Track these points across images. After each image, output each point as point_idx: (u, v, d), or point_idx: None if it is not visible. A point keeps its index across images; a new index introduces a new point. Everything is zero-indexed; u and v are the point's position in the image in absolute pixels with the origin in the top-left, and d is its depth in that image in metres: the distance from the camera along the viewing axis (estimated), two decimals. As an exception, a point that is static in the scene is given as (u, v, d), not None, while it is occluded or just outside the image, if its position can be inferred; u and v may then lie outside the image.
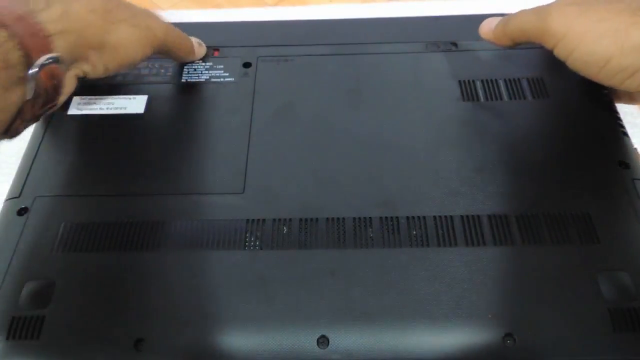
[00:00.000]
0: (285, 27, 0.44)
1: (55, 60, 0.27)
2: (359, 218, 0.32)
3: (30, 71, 0.26)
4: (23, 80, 0.26)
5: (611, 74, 0.28)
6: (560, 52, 0.30)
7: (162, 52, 0.37)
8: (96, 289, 0.29)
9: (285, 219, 0.32)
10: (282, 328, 0.28)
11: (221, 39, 0.43)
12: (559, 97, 0.37)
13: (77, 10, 0.29)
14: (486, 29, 0.36)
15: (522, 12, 0.33)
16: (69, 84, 0.31)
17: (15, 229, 0.32)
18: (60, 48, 0.28)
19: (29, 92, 0.27)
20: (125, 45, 0.33)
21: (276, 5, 0.53)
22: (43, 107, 0.28)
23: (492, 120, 0.36)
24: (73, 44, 0.29)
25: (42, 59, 0.26)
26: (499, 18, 0.35)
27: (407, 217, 0.32)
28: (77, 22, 0.29)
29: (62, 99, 0.30)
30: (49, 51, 0.27)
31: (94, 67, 0.31)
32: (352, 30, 0.43)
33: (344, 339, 0.28)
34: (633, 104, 0.36)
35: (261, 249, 0.31)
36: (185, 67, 0.40)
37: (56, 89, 0.28)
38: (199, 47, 0.40)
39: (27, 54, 0.26)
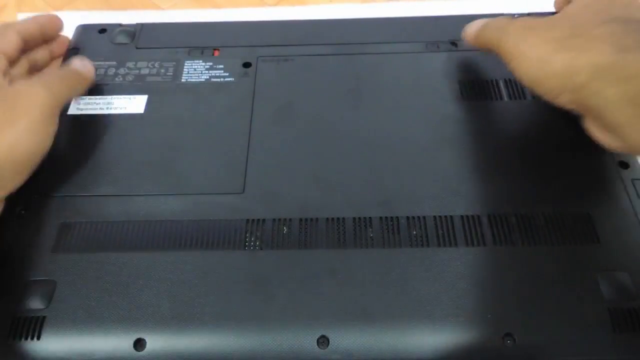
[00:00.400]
0: (285, 27, 0.44)
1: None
2: (359, 218, 0.32)
3: None
4: None
5: (542, 93, 0.30)
6: (510, 70, 0.32)
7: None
8: (96, 289, 0.29)
9: (285, 219, 0.32)
10: (282, 328, 0.28)
11: (221, 39, 0.43)
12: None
13: None
14: (468, 31, 0.37)
15: (490, 26, 0.34)
16: None
17: (15, 229, 0.32)
18: None
19: None
20: (27, 153, 0.31)
21: (276, 5, 0.53)
22: None
23: (492, 120, 0.36)
24: None
25: None
26: (484, 21, 0.36)
27: (407, 217, 0.32)
28: None
29: None
30: None
31: (5, 188, 0.31)
32: (352, 30, 0.43)
33: (344, 339, 0.28)
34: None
35: (261, 249, 0.31)
36: (185, 67, 0.40)
37: None
38: (83, 67, 0.38)
39: None
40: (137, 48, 0.42)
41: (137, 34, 0.43)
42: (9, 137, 0.30)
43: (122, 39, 0.43)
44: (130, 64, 0.41)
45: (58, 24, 0.40)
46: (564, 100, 0.29)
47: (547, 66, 0.28)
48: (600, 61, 0.26)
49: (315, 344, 0.28)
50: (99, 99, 0.38)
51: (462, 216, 0.32)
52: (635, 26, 0.27)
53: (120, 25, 0.44)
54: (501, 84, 0.38)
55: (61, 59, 0.41)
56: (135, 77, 0.40)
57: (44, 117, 0.32)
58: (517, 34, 0.31)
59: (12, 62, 0.36)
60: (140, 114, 0.38)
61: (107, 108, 0.38)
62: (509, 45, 0.31)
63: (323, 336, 0.28)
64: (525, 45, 0.30)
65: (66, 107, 0.38)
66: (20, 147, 0.30)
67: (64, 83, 0.35)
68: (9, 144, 0.29)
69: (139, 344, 0.28)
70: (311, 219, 0.32)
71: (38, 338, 0.28)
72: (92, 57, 0.41)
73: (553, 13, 0.37)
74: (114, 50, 0.42)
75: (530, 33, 0.30)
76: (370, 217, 0.32)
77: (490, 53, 0.34)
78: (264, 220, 0.32)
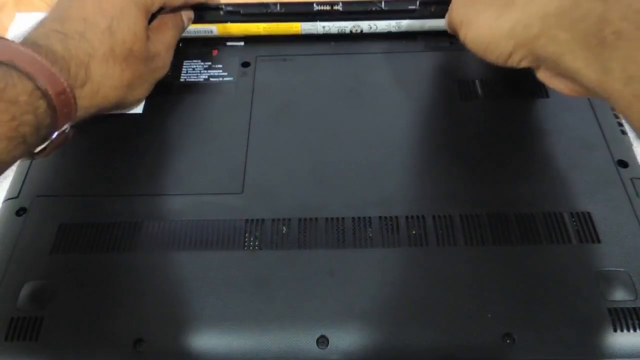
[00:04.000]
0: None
1: (75, 125, 0.31)
2: (358, 218, 0.32)
3: (54, 135, 0.29)
4: (43, 139, 0.29)
5: (493, 57, 0.31)
6: (461, 40, 0.33)
7: None
8: (95, 289, 0.29)
9: (284, 219, 0.32)
10: (282, 328, 0.28)
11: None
12: (559, 97, 0.37)
13: (105, 91, 0.32)
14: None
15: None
16: None
17: (13, 230, 0.32)
18: (80, 115, 0.31)
19: (41, 148, 0.30)
20: (138, 101, 0.36)
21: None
22: (49, 153, 0.31)
23: (491, 120, 0.36)
24: (92, 113, 0.32)
25: (65, 126, 0.30)
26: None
27: (407, 217, 0.32)
28: (103, 100, 0.32)
29: None
30: (72, 118, 0.30)
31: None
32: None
33: (343, 338, 0.28)
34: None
35: (260, 249, 0.31)
36: (184, 66, 0.40)
37: (64, 144, 0.31)
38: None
39: (55, 122, 0.29)
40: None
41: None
42: (139, 93, 0.35)
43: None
44: (129, 64, 0.41)
45: None
46: (516, 59, 0.30)
47: (496, 28, 0.29)
48: (549, 8, 0.26)
49: (315, 343, 0.28)
50: (98, 99, 0.38)
51: (461, 215, 0.31)
52: None
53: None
54: (500, 84, 0.38)
55: None
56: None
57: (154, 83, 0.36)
58: (462, 4, 0.32)
59: None
60: (139, 114, 0.37)
61: (106, 108, 0.38)
62: (455, 16, 0.32)
63: (323, 336, 0.28)
64: (471, 12, 0.31)
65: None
66: (138, 101, 0.36)
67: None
68: (134, 97, 0.35)
69: (137, 344, 0.28)
70: (310, 219, 0.32)
71: (36, 339, 0.28)
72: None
73: None
74: None
75: (473, 1, 0.31)
76: (369, 217, 0.32)
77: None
78: (263, 220, 0.32)
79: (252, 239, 0.31)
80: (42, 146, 0.30)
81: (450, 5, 0.35)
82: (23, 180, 0.34)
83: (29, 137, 0.27)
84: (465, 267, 0.30)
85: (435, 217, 0.32)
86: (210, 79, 0.40)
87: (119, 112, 0.36)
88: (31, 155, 0.30)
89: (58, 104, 0.28)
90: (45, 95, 0.27)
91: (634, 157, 0.34)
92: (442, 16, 0.38)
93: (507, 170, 0.34)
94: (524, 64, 0.30)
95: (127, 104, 0.35)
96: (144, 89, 0.36)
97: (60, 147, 0.31)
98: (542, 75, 0.31)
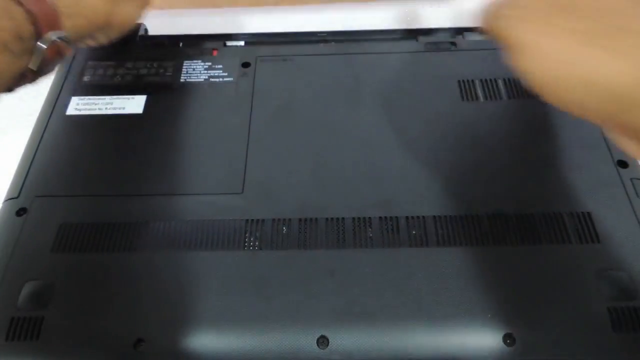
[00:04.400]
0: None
1: (63, 39, 0.31)
2: (359, 218, 0.32)
3: (39, 44, 0.29)
4: (31, 52, 0.29)
5: (562, 105, 0.22)
6: (513, 64, 0.24)
7: None
8: (95, 289, 0.29)
9: (284, 219, 0.32)
10: (282, 328, 0.28)
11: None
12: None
13: None
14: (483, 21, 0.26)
15: (494, 13, 0.25)
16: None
17: (14, 230, 0.32)
18: (68, 28, 0.31)
19: (34, 62, 0.30)
20: (129, 20, 0.36)
21: (276, 5, 0.53)
22: (43, 75, 0.31)
23: (491, 120, 0.36)
24: (80, 26, 0.32)
25: (51, 36, 0.30)
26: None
27: (407, 217, 0.32)
28: (87, 9, 0.32)
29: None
30: (58, 29, 0.30)
31: (97, 41, 0.36)
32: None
33: (343, 339, 0.28)
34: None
35: (260, 249, 0.31)
36: (184, 67, 0.40)
37: (59, 61, 0.31)
38: None
39: (38, 30, 0.29)
40: (136, 48, 0.42)
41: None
42: (128, 11, 0.36)
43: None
44: (129, 64, 0.41)
45: None
46: (591, 115, 0.21)
47: (573, 69, 0.20)
48: None
49: (315, 344, 0.28)
50: (98, 99, 0.38)
51: (461, 216, 0.31)
52: None
53: (119, 25, 0.44)
54: (500, 84, 0.38)
55: None
56: (134, 77, 0.40)
57: (143, 8, 0.38)
58: (521, 15, 0.23)
59: None
60: (139, 114, 0.37)
61: (106, 108, 0.38)
62: (509, 30, 0.23)
63: (323, 336, 0.28)
64: (537, 34, 0.22)
65: (65, 107, 0.38)
66: (129, 21, 0.37)
67: None
68: (124, 16, 0.36)
69: (138, 344, 0.28)
70: (310, 219, 0.32)
71: (36, 338, 0.28)
72: (91, 57, 0.41)
73: None
74: (113, 50, 0.42)
75: (546, 20, 0.22)
76: (369, 217, 0.32)
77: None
78: (263, 220, 0.32)
79: (252, 239, 0.31)
80: (37, 61, 0.30)
81: (500, 4, 0.25)
82: (23, 181, 0.34)
83: (11, 44, 0.28)
84: (465, 267, 0.30)
85: (436, 217, 0.32)
86: (211, 79, 0.40)
87: (115, 36, 0.36)
88: (29, 74, 0.30)
89: (37, 11, 0.29)
90: (18, 1, 0.28)
91: (633, 158, 0.34)
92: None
93: (507, 171, 0.34)
94: (594, 121, 0.22)
95: (118, 22, 0.35)
96: (131, 7, 0.36)
97: (56, 63, 0.31)
98: (621, 141, 0.23)
